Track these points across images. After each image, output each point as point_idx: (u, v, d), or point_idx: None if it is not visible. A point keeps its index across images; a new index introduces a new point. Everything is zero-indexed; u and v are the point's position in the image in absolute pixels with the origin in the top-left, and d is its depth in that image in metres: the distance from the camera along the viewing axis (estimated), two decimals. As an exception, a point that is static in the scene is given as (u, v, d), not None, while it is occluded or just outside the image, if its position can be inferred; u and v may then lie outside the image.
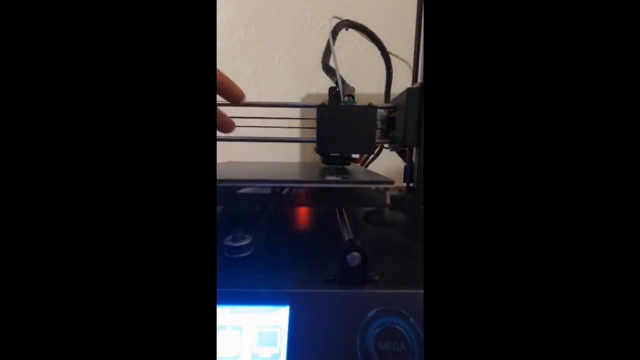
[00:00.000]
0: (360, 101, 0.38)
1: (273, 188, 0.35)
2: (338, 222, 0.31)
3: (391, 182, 0.29)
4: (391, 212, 0.38)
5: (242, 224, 0.27)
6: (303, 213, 0.40)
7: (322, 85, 0.58)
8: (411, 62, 0.45)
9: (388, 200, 0.36)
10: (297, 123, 0.45)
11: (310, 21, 0.63)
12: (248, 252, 0.25)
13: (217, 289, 0.20)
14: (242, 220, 0.35)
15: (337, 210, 0.34)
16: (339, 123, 0.36)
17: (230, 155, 0.60)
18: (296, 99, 0.64)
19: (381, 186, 0.33)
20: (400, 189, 0.41)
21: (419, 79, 0.44)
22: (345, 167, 0.40)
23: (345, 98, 0.37)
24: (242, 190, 0.34)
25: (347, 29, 0.40)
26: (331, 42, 0.37)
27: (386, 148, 0.44)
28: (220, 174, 0.31)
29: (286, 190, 0.36)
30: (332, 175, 0.31)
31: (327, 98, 0.40)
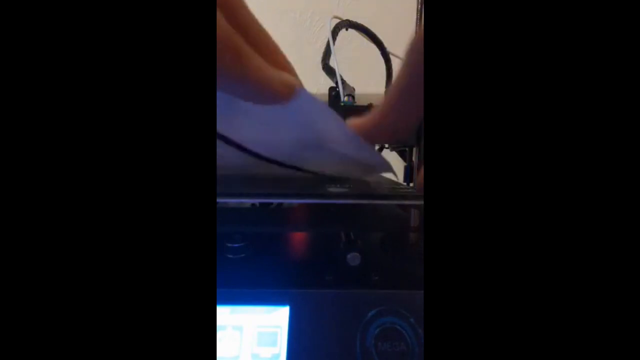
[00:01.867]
0: (360, 101, 0.38)
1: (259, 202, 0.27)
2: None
3: (419, 198, 0.21)
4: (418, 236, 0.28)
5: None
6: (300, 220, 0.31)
7: (322, 85, 0.58)
8: (411, 62, 0.44)
9: (415, 222, 0.26)
10: (297, 123, 0.45)
11: (310, 21, 0.63)
12: (247, 253, 0.25)
13: (217, 289, 0.20)
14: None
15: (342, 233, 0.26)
16: (339, 123, 0.36)
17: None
18: (296, 99, 0.64)
19: (406, 202, 0.23)
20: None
21: (419, 79, 0.44)
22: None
23: (345, 98, 0.37)
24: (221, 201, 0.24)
25: (347, 29, 0.40)
26: (331, 42, 0.37)
27: (386, 148, 0.44)
28: None
29: (274, 204, 0.29)
30: (335, 185, 0.23)
31: (327, 98, 0.40)
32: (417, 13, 0.43)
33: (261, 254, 0.26)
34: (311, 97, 0.16)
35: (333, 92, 0.39)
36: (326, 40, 0.39)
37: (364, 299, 0.21)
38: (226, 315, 0.21)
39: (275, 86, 0.15)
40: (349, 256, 0.23)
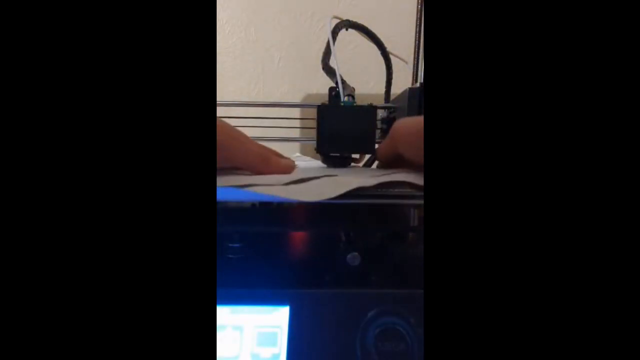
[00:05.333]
0: (360, 101, 0.38)
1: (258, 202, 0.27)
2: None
3: (418, 197, 0.21)
4: (419, 237, 0.27)
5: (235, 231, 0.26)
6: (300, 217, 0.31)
7: (322, 85, 0.58)
8: (411, 62, 0.44)
9: (415, 221, 0.26)
10: (297, 123, 0.45)
11: (310, 21, 0.63)
12: (247, 253, 0.25)
13: (217, 289, 0.20)
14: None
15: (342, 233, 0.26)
16: (339, 123, 0.36)
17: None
18: (296, 99, 0.64)
19: (406, 202, 0.23)
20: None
21: (419, 79, 0.44)
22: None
23: (345, 98, 0.37)
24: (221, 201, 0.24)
25: (347, 29, 0.39)
26: (331, 42, 0.37)
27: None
28: None
29: (275, 204, 0.29)
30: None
31: (327, 98, 0.40)
32: (417, 13, 0.43)
33: (261, 254, 0.26)
34: None
35: (333, 92, 0.39)
36: (326, 40, 0.39)
37: (364, 299, 0.21)
38: (226, 315, 0.21)
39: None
40: (348, 256, 0.23)
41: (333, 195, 0.19)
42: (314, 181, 0.22)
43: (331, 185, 0.20)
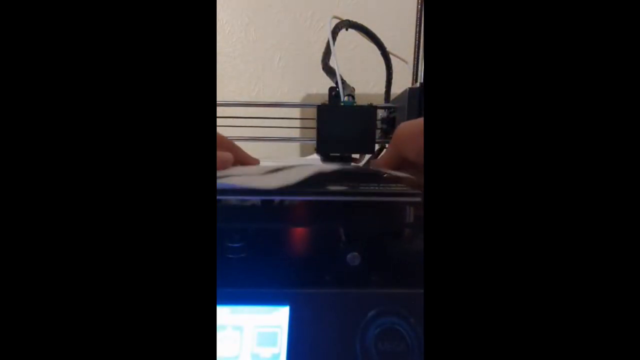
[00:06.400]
0: (360, 101, 0.38)
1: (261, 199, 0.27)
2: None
3: (417, 194, 0.21)
4: (413, 234, 0.28)
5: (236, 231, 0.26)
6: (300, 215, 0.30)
7: (322, 85, 0.58)
8: (411, 62, 0.45)
9: (411, 218, 0.26)
10: (297, 123, 0.45)
11: (310, 21, 0.63)
12: (247, 252, 0.25)
13: (217, 289, 0.20)
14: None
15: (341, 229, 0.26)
16: (339, 123, 0.36)
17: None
18: (296, 99, 0.64)
19: (403, 199, 0.24)
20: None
21: (419, 79, 0.44)
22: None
23: (345, 98, 0.37)
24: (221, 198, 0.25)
25: (347, 29, 0.40)
26: (331, 42, 0.37)
27: (386, 148, 0.44)
28: None
29: (277, 201, 0.29)
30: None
31: (327, 98, 0.40)
32: (417, 13, 0.43)
33: (261, 253, 0.26)
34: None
35: (333, 92, 0.39)
36: (326, 40, 0.39)
37: (364, 299, 0.21)
38: (226, 315, 0.21)
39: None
40: (348, 256, 0.23)
41: (294, 181, 0.20)
42: (287, 170, 0.23)
43: (296, 173, 0.21)
